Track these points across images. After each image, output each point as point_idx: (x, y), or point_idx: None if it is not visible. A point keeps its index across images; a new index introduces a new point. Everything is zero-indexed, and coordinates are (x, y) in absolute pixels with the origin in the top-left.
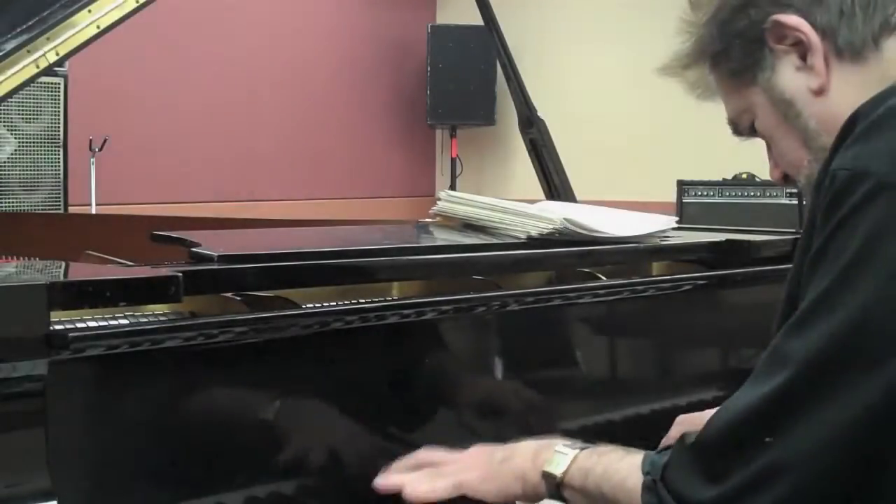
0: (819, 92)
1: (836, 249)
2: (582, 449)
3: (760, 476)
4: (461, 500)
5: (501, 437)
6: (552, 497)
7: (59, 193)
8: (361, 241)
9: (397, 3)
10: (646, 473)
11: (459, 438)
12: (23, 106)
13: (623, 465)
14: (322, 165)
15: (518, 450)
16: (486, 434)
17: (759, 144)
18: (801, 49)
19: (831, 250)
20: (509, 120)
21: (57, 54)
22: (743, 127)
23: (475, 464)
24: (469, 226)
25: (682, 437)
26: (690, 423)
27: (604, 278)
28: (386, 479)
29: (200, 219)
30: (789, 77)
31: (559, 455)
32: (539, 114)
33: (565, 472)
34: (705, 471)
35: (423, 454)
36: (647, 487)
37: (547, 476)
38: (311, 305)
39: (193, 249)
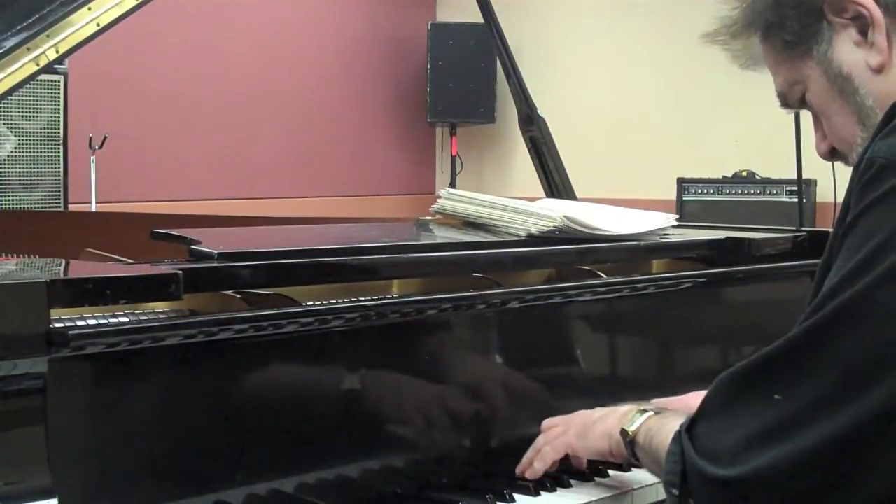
0: (879, 69)
1: (859, 238)
2: (658, 412)
3: (763, 433)
4: None
5: (501, 436)
6: (630, 456)
7: (59, 191)
8: (362, 238)
9: (398, 0)
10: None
11: (459, 437)
12: (22, 104)
13: (675, 425)
14: (322, 163)
15: (614, 410)
16: (486, 434)
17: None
18: (861, 23)
19: (855, 237)
20: (509, 118)
21: (57, 52)
22: (793, 99)
23: (574, 422)
24: (469, 223)
25: (707, 394)
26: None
27: (604, 276)
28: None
29: (200, 216)
30: (847, 52)
31: (638, 415)
32: (539, 111)
33: (637, 431)
34: (721, 423)
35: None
36: (674, 439)
37: (623, 433)
38: (310, 303)
39: (193, 247)
